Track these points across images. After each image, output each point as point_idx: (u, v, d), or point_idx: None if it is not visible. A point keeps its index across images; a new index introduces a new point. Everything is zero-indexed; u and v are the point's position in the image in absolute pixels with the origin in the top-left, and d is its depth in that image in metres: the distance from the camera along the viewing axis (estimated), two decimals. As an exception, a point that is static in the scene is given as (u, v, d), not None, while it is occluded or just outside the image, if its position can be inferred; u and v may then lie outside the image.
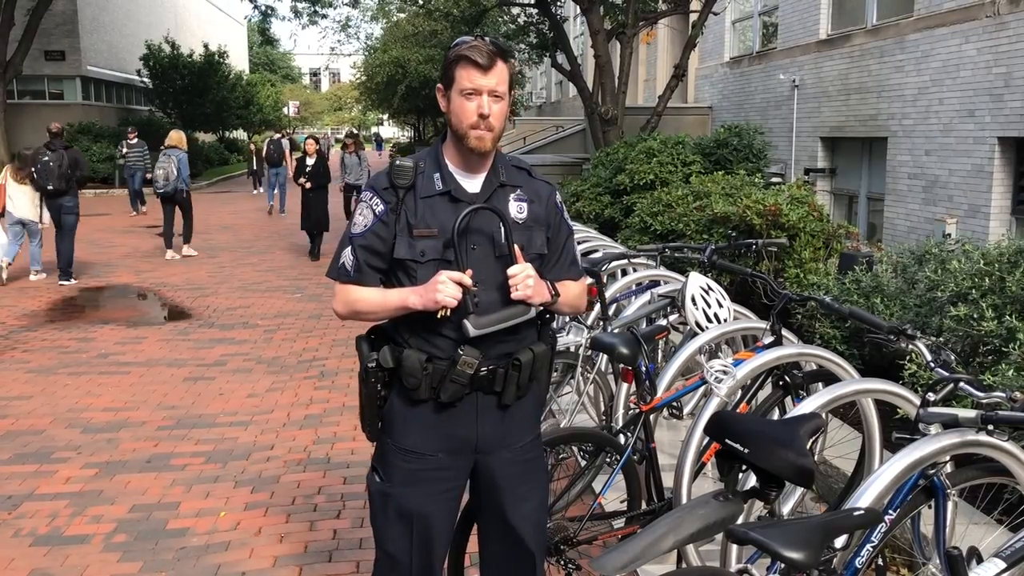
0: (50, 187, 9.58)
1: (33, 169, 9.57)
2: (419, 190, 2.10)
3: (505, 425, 2.20)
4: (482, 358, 2.08)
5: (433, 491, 2.17)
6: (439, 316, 2.03)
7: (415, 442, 2.15)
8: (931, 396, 2.37)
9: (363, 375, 2.15)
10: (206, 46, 31.20)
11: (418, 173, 2.11)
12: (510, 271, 2.05)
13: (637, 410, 3.16)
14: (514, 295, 2.04)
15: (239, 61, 47.00)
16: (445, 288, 1.99)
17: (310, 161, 11.68)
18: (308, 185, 11.69)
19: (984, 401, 2.26)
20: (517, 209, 2.16)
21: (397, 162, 2.10)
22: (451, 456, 2.17)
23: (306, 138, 12.72)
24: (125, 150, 18.24)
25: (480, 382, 2.11)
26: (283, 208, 17.49)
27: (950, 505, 2.35)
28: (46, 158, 9.59)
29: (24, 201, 9.69)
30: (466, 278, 2.01)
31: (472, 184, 2.13)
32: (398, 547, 2.20)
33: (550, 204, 2.23)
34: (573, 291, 2.28)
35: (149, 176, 15.72)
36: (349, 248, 2.14)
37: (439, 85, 2.13)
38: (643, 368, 3.17)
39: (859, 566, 2.25)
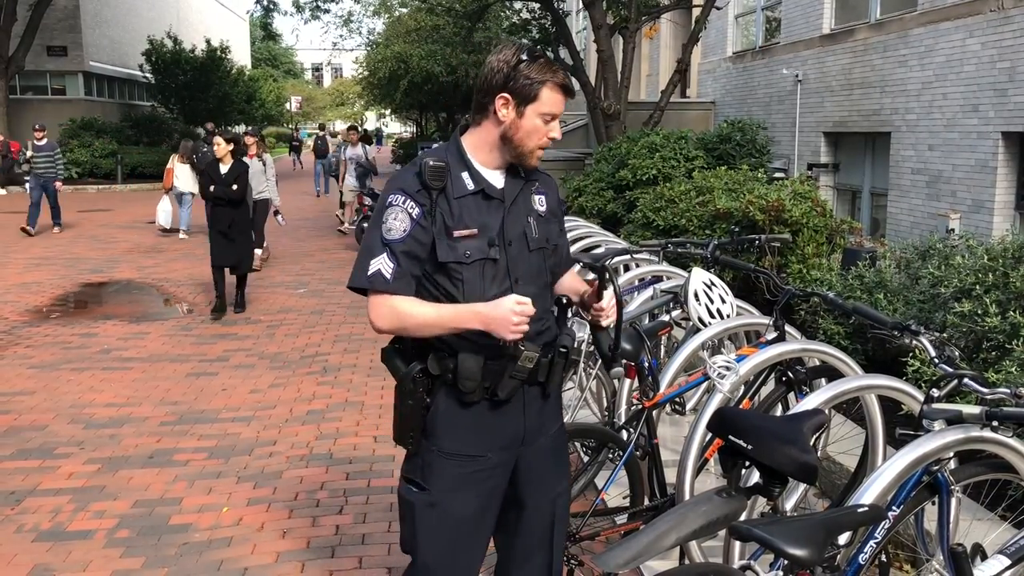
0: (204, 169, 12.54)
1: (195, 156, 12.80)
2: (451, 190, 2.06)
3: (544, 414, 2.22)
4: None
5: (481, 492, 2.14)
6: (502, 344, 2.03)
7: (464, 445, 2.11)
8: (935, 392, 2.37)
9: (408, 386, 2.08)
10: (208, 41, 31.19)
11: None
12: (607, 304, 2.21)
13: (640, 406, 3.16)
14: (605, 322, 2.23)
15: (241, 56, 46.97)
16: (521, 325, 1.97)
17: (223, 168, 7.81)
18: (216, 193, 7.81)
19: (988, 397, 2.26)
20: (539, 202, 2.20)
21: (430, 163, 2.03)
22: (499, 453, 2.15)
23: (212, 135, 8.67)
24: (30, 153, 14.01)
25: (532, 374, 2.12)
26: (327, 190, 20.78)
27: (954, 501, 2.34)
28: (205, 149, 12.47)
29: (186, 177, 13.09)
30: (530, 307, 1.99)
31: (497, 180, 2.13)
32: (441, 555, 2.14)
33: (558, 195, 2.29)
34: (578, 282, 2.39)
35: (59, 185, 13.87)
36: (385, 254, 2.02)
37: (505, 94, 2.04)
38: (646, 364, 3.17)
39: (862, 563, 2.25)
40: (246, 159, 9.90)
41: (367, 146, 14.11)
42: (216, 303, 7.95)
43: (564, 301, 2.30)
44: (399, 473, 2.23)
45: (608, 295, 2.22)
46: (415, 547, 2.15)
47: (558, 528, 2.29)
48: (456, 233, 2.04)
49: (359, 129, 14.97)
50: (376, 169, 13.99)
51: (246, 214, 8.18)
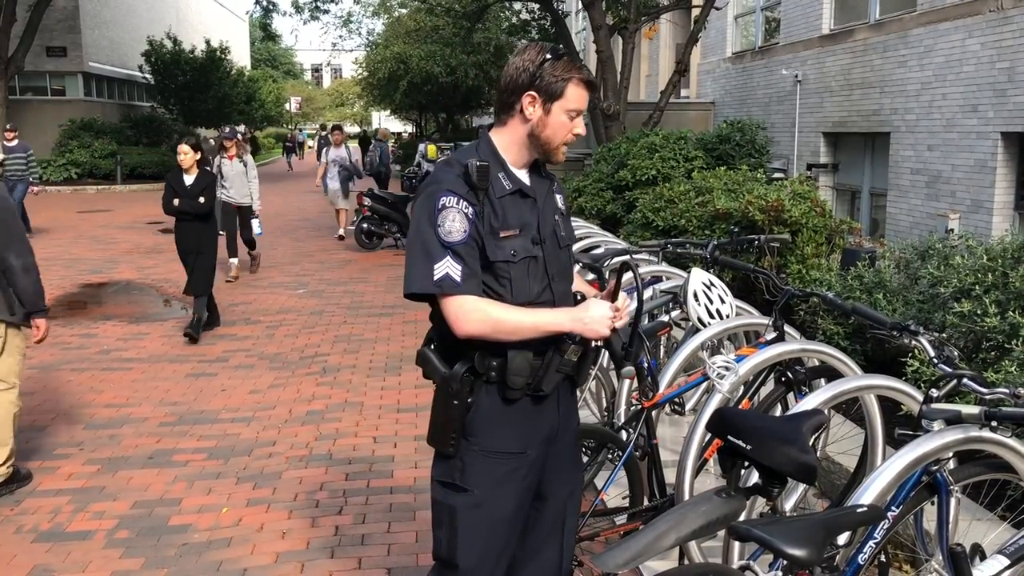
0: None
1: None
2: (492, 190, 2.07)
3: (570, 408, 2.28)
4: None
5: (520, 490, 2.14)
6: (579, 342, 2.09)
7: (507, 442, 2.11)
8: (934, 392, 2.37)
9: (455, 386, 2.07)
10: (208, 42, 31.19)
11: None
12: (622, 304, 2.15)
13: (639, 406, 3.16)
14: (619, 324, 2.15)
15: (241, 57, 46.97)
16: (612, 322, 2.07)
17: (188, 179, 7.05)
18: (180, 205, 7.04)
19: (987, 397, 2.26)
20: (560, 200, 2.26)
21: (476, 163, 2.03)
22: (537, 448, 2.17)
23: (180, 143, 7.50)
24: (1, 155, 12.89)
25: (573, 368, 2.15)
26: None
27: (953, 502, 2.34)
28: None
29: None
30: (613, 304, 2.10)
31: (525, 179, 2.16)
32: (484, 556, 2.11)
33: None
34: (580, 281, 2.47)
35: (36, 189, 13.30)
36: (449, 257, 2.00)
37: (532, 92, 2.07)
38: (645, 364, 3.17)
39: (862, 563, 2.25)
40: (226, 160, 9.59)
41: (350, 147, 13.99)
42: (208, 317, 7.35)
43: (579, 297, 2.32)
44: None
45: (623, 296, 2.23)
46: (454, 551, 2.11)
47: (569, 523, 2.31)
48: (503, 233, 2.06)
49: (344, 130, 14.86)
50: (360, 172, 13.71)
51: (214, 231, 7.39)
